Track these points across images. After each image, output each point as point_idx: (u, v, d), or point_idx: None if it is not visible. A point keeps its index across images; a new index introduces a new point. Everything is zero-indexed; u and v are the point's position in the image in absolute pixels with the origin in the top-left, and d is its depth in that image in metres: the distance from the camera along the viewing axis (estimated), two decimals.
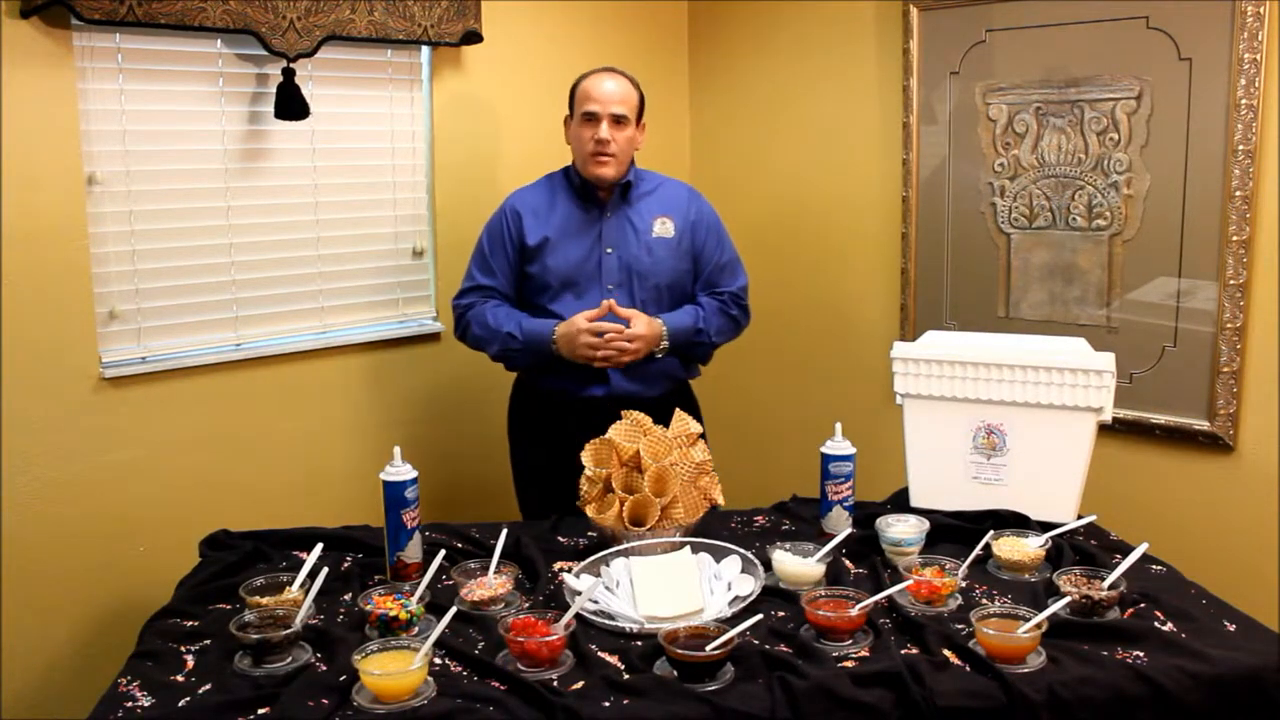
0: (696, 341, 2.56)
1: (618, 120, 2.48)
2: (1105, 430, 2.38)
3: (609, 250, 2.53)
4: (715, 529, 2.17)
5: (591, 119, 2.48)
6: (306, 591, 1.77)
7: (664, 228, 2.56)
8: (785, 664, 1.62)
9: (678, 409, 2.17)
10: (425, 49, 2.97)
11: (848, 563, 2.04)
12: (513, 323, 2.50)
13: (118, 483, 2.54)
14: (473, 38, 2.94)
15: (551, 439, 2.51)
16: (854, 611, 1.71)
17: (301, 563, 1.87)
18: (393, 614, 1.72)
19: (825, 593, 1.80)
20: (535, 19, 3.16)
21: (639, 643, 1.72)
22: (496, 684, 1.60)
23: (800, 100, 3.30)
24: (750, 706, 1.53)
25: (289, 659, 1.67)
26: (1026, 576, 1.96)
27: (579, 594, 1.74)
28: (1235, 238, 2.49)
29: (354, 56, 2.85)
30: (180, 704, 1.55)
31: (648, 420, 2.13)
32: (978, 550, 1.99)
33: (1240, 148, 2.46)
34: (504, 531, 1.98)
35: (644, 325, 2.44)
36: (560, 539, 2.18)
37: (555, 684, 1.59)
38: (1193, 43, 2.51)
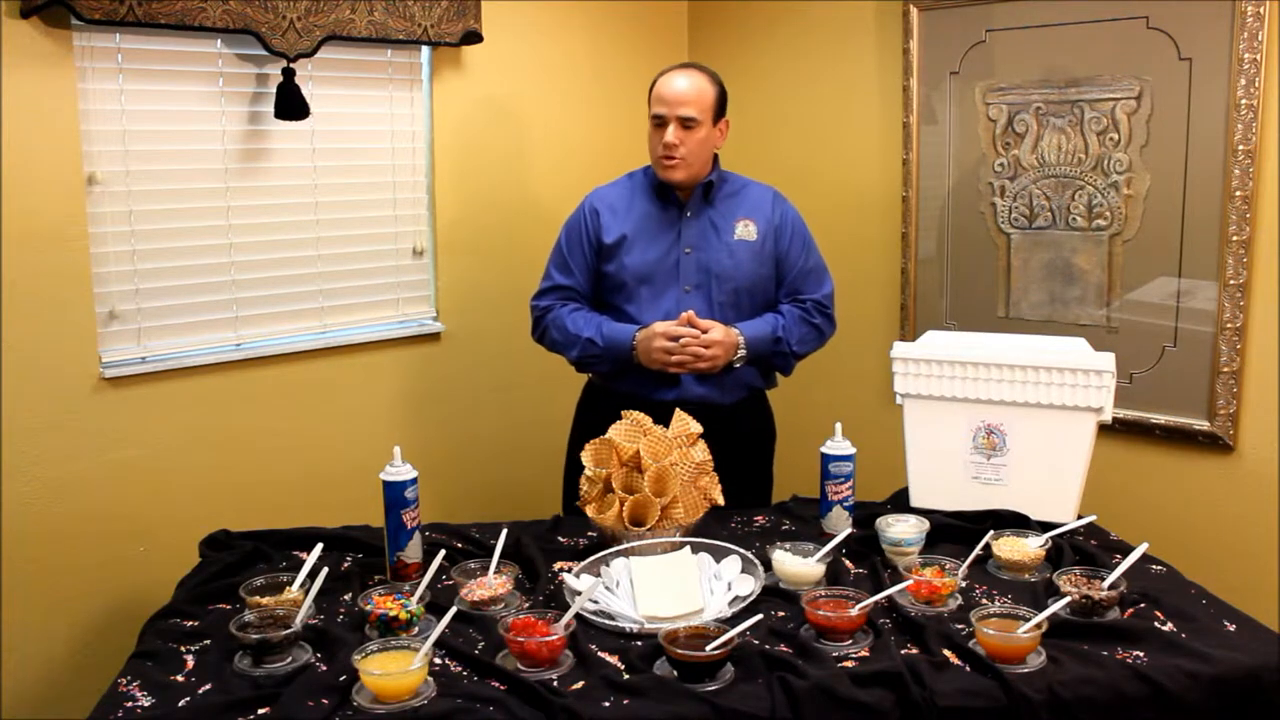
0: (776, 351, 2.48)
1: (686, 123, 2.39)
2: (1105, 430, 2.38)
3: (687, 251, 2.47)
4: (715, 529, 2.17)
5: (660, 122, 2.41)
6: (306, 591, 1.77)
7: (746, 230, 2.49)
8: (785, 664, 1.62)
9: (677, 410, 2.17)
10: (425, 49, 2.97)
11: (848, 563, 2.04)
12: (592, 328, 2.44)
13: (118, 483, 2.54)
14: (473, 38, 2.94)
15: None
16: (854, 611, 1.71)
17: (301, 563, 1.87)
18: (393, 614, 1.72)
19: (825, 593, 1.80)
20: (535, 19, 3.16)
21: (639, 643, 1.72)
22: (496, 684, 1.60)
23: (800, 100, 3.30)
24: (750, 706, 1.53)
25: (289, 659, 1.67)
26: (1026, 576, 1.96)
27: (579, 594, 1.74)
28: (1235, 238, 2.49)
29: (354, 56, 2.85)
30: (180, 704, 1.55)
31: (648, 420, 2.13)
32: (978, 550, 1.99)
33: (1240, 148, 2.46)
34: (504, 531, 1.98)
35: (721, 333, 2.38)
36: (560, 539, 2.18)
37: (555, 684, 1.59)
38: (1193, 43, 2.51)
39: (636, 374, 2.45)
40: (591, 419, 2.58)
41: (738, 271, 2.47)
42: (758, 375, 2.54)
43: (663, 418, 2.18)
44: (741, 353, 2.42)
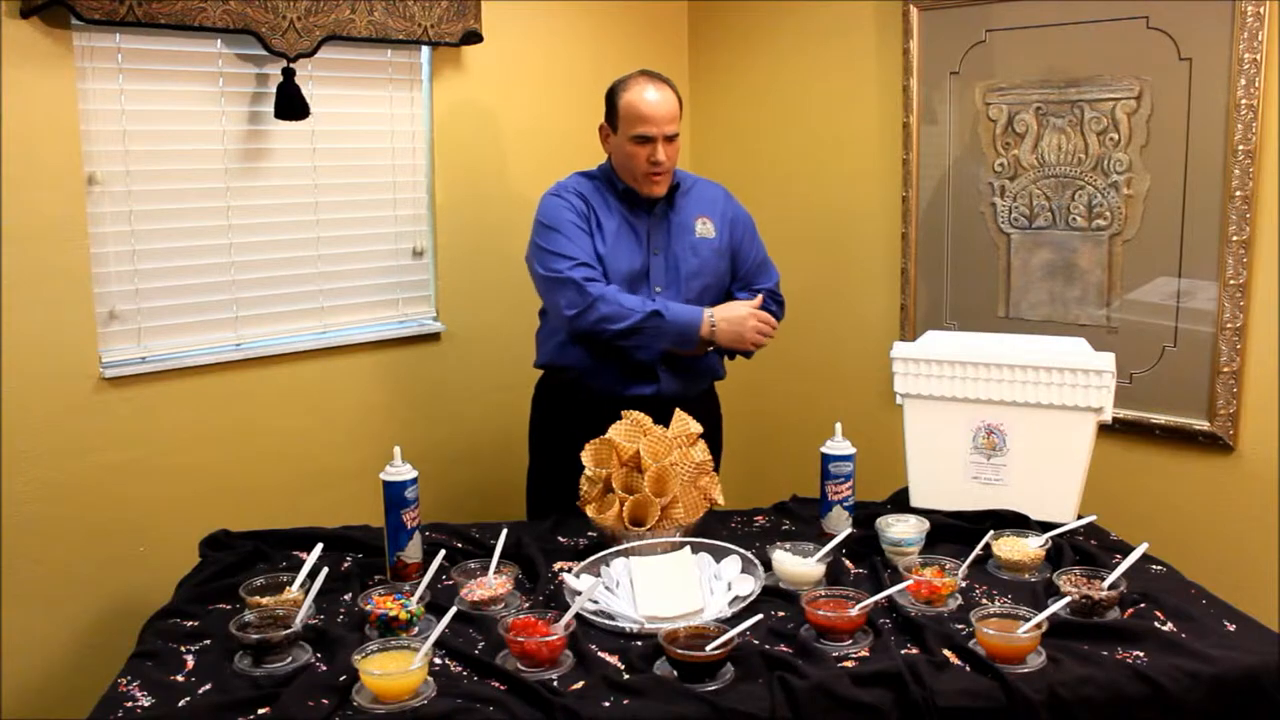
0: None
1: (670, 138, 2.42)
2: (1105, 430, 2.38)
3: (656, 252, 2.50)
4: (715, 529, 2.18)
5: (643, 140, 2.40)
6: (306, 591, 1.77)
7: (705, 228, 2.54)
8: (785, 664, 1.62)
9: (677, 409, 2.17)
10: (425, 49, 2.97)
11: (848, 563, 2.04)
12: (654, 302, 2.38)
13: (118, 482, 2.54)
14: (473, 38, 2.94)
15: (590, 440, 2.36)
16: (854, 611, 1.71)
17: (301, 563, 1.87)
18: (393, 614, 1.73)
19: (825, 593, 1.80)
20: (535, 19, 3.16)
21: (639, 643, 1.72)
22: (496, 684, 1.60)
23: (800, 100, 3.30)
24: (750, 706, 1.53)
25: (289, 659, 1.67)
26: (1026, 576, 1.96)
27: (579, 594, 1.75)
28: (1235, 238, 2.49)
29: (354, 56, 2.85)
30: (180, 704, 1.55)
31: (648, 420, 2.13)
32: (978, 550, 1.99)
33: (1240, 148, 2.46)
34: (504, 531, 1.99)
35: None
36: (560, 539, 2.18)
37: (555, 684, 1.59)
38: (1193, 43, 2.51)
39: (613, 369, 2.45)
40: (558, 418, 2.57)
41: (703, 269, 2.53)
42: (718, 362, 2.60)
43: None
44: None
